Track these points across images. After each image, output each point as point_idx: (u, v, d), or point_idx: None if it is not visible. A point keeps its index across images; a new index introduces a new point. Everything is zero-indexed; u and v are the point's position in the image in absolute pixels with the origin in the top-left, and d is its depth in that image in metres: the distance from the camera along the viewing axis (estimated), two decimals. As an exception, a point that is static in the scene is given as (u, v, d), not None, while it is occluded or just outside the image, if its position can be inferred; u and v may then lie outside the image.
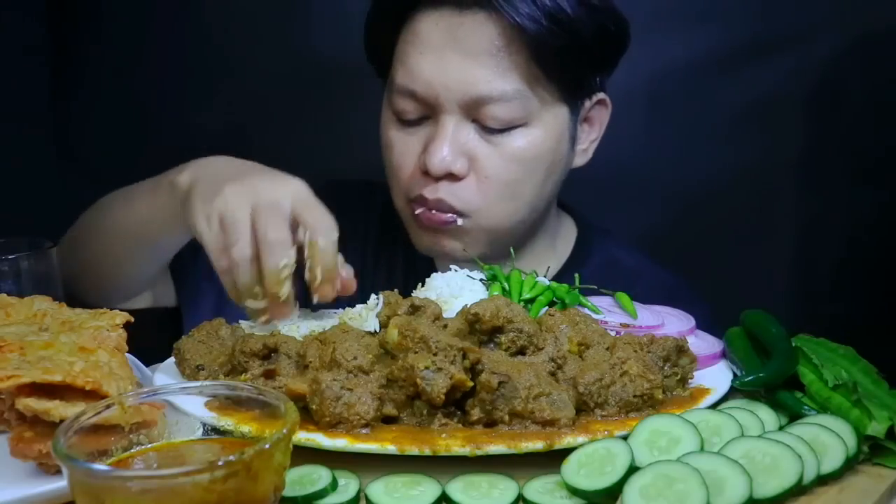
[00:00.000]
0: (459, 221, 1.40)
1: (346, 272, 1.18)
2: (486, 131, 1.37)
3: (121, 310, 1.03)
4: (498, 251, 1.46)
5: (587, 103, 1.47)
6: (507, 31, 1.32)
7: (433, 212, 1.40)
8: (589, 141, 1.52)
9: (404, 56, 1.39)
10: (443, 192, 1.38)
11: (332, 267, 1.14)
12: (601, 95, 1.49)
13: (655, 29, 1.96)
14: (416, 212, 1.42)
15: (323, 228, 1.13)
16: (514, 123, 1.37)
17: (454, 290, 1.20)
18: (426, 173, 1.38)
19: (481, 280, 1.26)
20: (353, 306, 1.21)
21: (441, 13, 1.35)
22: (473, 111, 1.36)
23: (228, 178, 1.17)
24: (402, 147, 1.42)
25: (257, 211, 1.12)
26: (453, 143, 1.36)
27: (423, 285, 1.25)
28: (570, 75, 1.39)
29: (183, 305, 1.53)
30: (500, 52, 1.33)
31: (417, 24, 1.38)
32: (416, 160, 1.41)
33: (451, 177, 1.38)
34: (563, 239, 1.61)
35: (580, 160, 1.52)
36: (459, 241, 1.43)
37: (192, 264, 1.48)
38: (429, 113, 1.39)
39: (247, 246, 1.12)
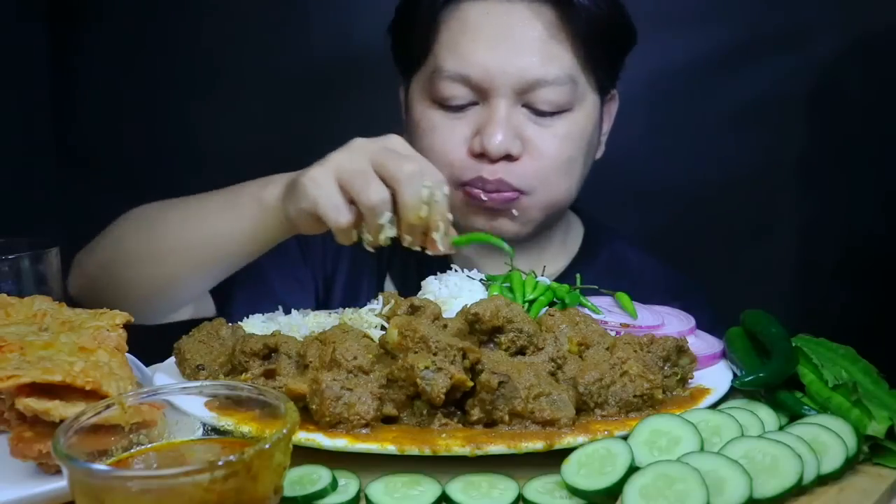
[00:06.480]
0: (523, 200, 1.45)
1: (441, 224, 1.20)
2: (536, 114, 1.44)
3: (164, 322, 1.01)
4: (540, 228, 1.52)
5: (606, 97, 1.55)
6: (556, 19, 1.40)
7: (495, 193, 1.44)
8: (604, 133, 1.60)
9: (453, 44, 1.44)
10: (502, 172, 1.43)
11: (414, 215, 1.16)
12: (614, 91, 1.58)
13: (656, 29, 1.96)
14: (473, 194, 1.45)
15: (403, 177, 1.16)
16: (562, 108, 1.44)
17: (453, 291, 1.20)
18: (479, 156, 1.43)
19: (480, 280, 1.26)
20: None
21: (488, 3, 1.42)
22: (524, 95, 1.42)
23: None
24: (448, 132, 1.46)
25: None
26: (507, 126, 1.42)
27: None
28: (608, 61, 1.48)
29: (221, 315, 1.53)
30: (551, 39, 1.41)
31: (465, 13, 1.44)
32: (464, 145, 1.45)
33: (508, 157, 1.43)
34: (573, 235, 1.67)
35: (598, 152, 1.59)
36: (515, 222, 1.48)
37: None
38: (477, 98, 1.44)
39: (381, 188, 1.15)
